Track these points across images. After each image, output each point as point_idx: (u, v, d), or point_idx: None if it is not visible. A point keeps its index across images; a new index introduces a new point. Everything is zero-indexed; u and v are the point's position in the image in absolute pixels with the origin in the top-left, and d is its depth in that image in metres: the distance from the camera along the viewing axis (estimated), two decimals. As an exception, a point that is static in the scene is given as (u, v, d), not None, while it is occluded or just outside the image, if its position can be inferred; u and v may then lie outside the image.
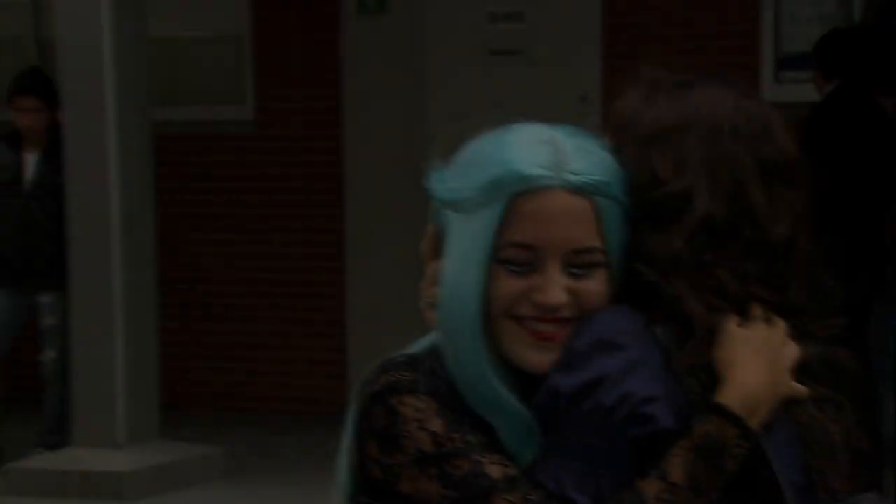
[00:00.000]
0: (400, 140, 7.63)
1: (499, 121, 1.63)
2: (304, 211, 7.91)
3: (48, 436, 6.92)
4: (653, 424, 1.50)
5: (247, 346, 8.03)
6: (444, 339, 1.61)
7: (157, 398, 6.56)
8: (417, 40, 7.68)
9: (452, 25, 7.64)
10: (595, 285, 1.57)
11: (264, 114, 8.03)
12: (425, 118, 7.63)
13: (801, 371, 1.58)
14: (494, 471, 1.52)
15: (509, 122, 1.63)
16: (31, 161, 6.82)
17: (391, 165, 7.62)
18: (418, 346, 1.66)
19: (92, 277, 6.34)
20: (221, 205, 8.11)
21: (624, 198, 1.58)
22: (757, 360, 1.54)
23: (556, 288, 1.55)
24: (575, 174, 1.55)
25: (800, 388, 1.57)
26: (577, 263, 1.56)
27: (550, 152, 1.56)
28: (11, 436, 7.02)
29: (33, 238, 6.78)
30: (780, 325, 1.58)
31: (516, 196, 1.55)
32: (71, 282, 6.40)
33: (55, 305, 6.76)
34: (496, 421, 1.56)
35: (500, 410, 1.56)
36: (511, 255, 1.55)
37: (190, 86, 8.35)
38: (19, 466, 6.48)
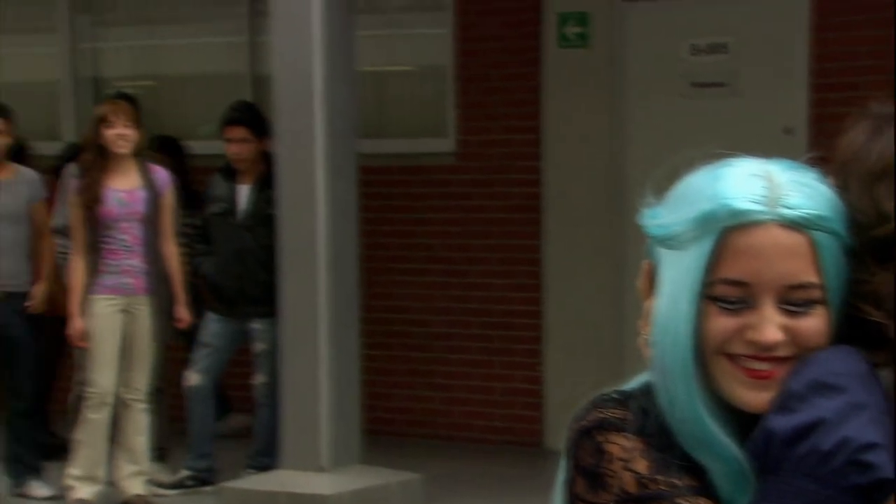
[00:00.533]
0: (599, 172, 7.57)
1: (709, 155, 1.58)
2: (502, 241, 7.90)
3: (258, 457, 7.04)
4: (872, 473, 1.42)
5: (445, 375, 8.05)
6: (656, 377, 1.56)
7: (360, 423, 6.61)
8: (618, 72, 7.61)
9: (654, 58, 7.54)
10: (813, 323, 1.50)
11: (465, 146, 8.06)
12: (625, 150, 7.56)
13: None
14: None
15: (718, 156, 1.58)
16: (244, 192, 6.99)
17: (589, 196, 7.56)
18: (634, 382, 1.61)
19: (300, 305, 6.44)
20: (422, 235, 8.16)
21: (844, 233, 1.50)
22: None
23: (770, 326, 1.48)
24: (790, 208, 1.48)
25: None
26: (793, 300, 1.49)
27: (764, 186, 1.50)
28: (225, 456, 7.18)
29: (247, 267, 6.93)
30: None
31: (728, 231, 1.48)
32: (281, 309, 6.52)
33: (266, 331, 6.89)
34: (708, 462, 1.50)
35: (712, 451, 1.50)
36: (723, 292, 1.49)
37: (393, 118, 8.45)
38: (232, 486, 6.61)
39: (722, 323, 1.50)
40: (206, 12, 8.87)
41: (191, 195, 7.12)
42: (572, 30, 7.66)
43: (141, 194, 6.46)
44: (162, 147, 7.27)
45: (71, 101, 9.12)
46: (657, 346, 1.55)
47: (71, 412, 6.88)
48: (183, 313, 6.57)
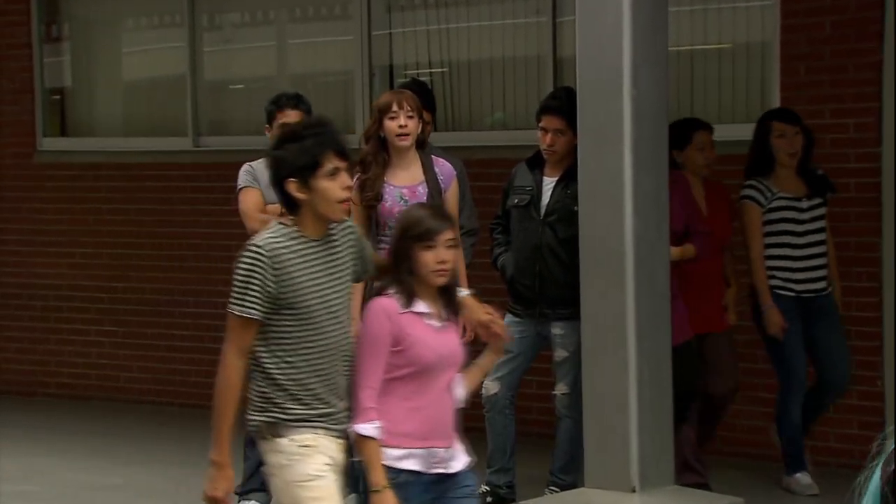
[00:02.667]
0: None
1: None
2: (839, 239, 7.46)
3: (559, 475, 6.88)
4: None
5: (770, 388, 7.65)
6: None
7: (672, 441, 6.35)
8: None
9: None
10: None
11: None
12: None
13: None
14: None
15: None
16: (549, 185, 6.82)
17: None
18: None
19: (605, 308, 6.20)
20: (738, 232, 7.81)
21: None
22: None
23: None
24: None
25: None
26: None
27: None
28: (522, 472, 7.05)
29: (546, 264, 6.77)
30: None
31: None
32: (583, 312, 6.30)
33: (568, 336, 6.70)
34: None
35: None
36: None
37: (708, 102, 8.15)
38: (530, 505, 6.46)
39: None
40: (505, -8, 8.79)
41: None
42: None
43: (423, 190, 6.36)
44: None
45: (365, 91, 9.18)
46: None
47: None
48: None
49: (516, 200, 6.89)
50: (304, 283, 4.37)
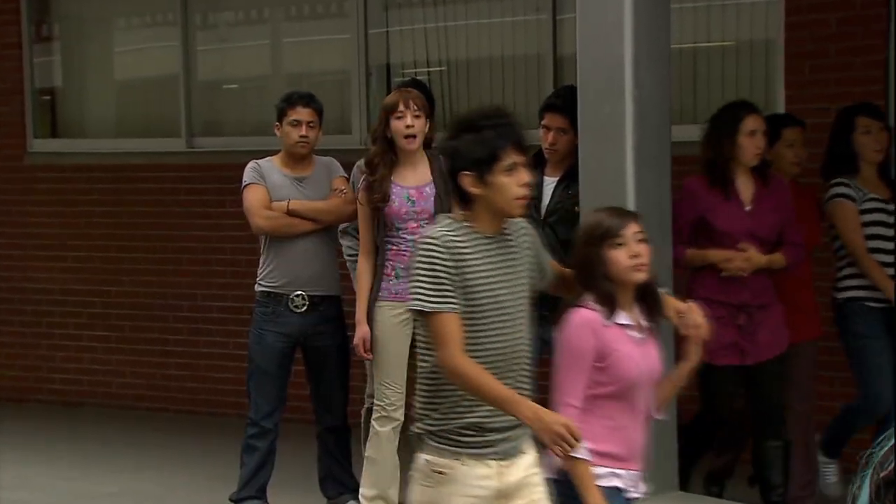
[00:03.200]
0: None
1: None
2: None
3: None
4: None
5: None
6: None
7: (677, 447, 6.33)
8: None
9: None
10: None
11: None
12: None
13: None
14: None
15: None
16: (550, 185, 6.81)
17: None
18: None
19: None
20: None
21: None
22: None
23: None
24: None
25: None
26: None
27: None
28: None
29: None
30: None
31: None
32: (585, 316, 6.28)
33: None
34: None
35: None
36: None
37: (711, 101, 8.13)
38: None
39: None
40: (504, -11, 8.78)
41: None
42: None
43: (430, 191, 6.36)
44: None
45: (362, 90, 9.17)
46: None
47: (363, 427, 6.89)
48: None
49: (516, 200, 6.87)
50: (477, 281, 4.09)
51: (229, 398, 9.39)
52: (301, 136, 6.69)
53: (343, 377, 6.88)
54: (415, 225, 6.32)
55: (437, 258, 4.06)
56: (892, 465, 1.55)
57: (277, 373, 6.76)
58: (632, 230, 4.34)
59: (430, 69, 8.99)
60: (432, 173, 6.34)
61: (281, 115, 6.74)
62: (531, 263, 4.28)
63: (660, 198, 6.20)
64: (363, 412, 6.97)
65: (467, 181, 4.14)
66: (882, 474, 1.52)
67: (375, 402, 6.51)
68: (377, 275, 6.40)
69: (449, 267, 4.06)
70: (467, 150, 4.15)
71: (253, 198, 6.70)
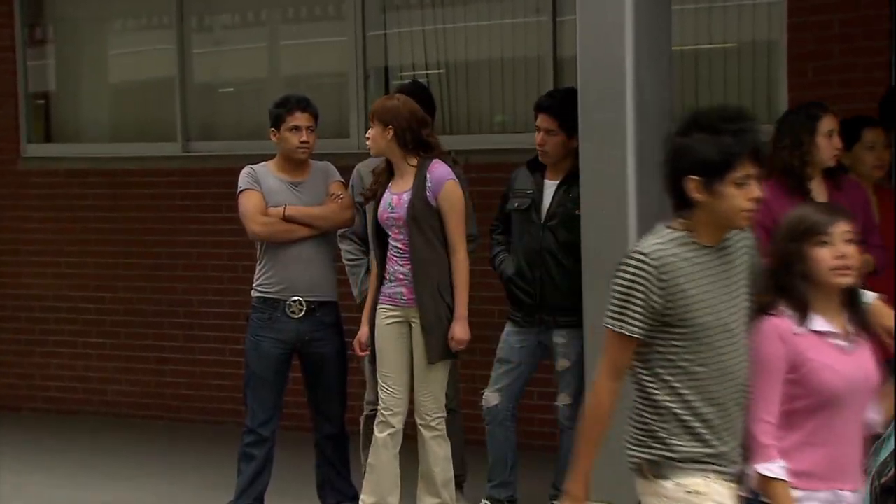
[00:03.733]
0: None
1: None
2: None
3: (562, 488, 6.85)
4: None
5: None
6: None
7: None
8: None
9: None
10: None
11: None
12: None
13: None
14: None
15: None
16: (550, 189, 6.82)
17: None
18: None
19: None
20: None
21: None
22: None
23: None
24: None
25: None
26: None
27: None
28: (524, 486, 7.04)
29: (546, 270, 6.76)
30: None
31: None
32: (586, 320, 6.29)
33: (569, 345, 6.70)
34: None
35: None
36: None
37: (713, 104, 8.14)
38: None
39: None
40: (504, -9, 8.79)
41: None
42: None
43: (407, 197, 6.37)
44: None
45: (360, 93, 9.18)
46: None
47: (363, 434, 6.91)
48: (459, 332, 6.38)
49: (516, 204, 6.88)
50: (696, 297, 3.89)
51: (226, 405, 9.41)
52: (302, 142, 6.70)
53: (341, 384, 6.89)
54: (396, 231, 6.38)
55: (639, 278, 3.89)
56: (892, 471, 1.56)
57: (274, 380, 6.77)
58: (840, 229, 3.99)
59: (429, 72, 9.01)
60: (414, 181, 6.36)
61: (278, 122, 6.74)
62: (750, 273, 4.04)
63: (661, 201, 6.20)
64: (362, 419, 6.98)
65: (692, 185, 3.91)
66: (882, 480, 1.53)
67: (375, 408, 6.53)
68: (377, 278, 6.48)
69: (651, 289, 3.88)
70: (699, 151, 3.89)
71: (248, 204, 6.71)
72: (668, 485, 3.94)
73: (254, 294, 6.81)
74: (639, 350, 3.96)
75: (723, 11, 8.17)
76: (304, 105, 6.75)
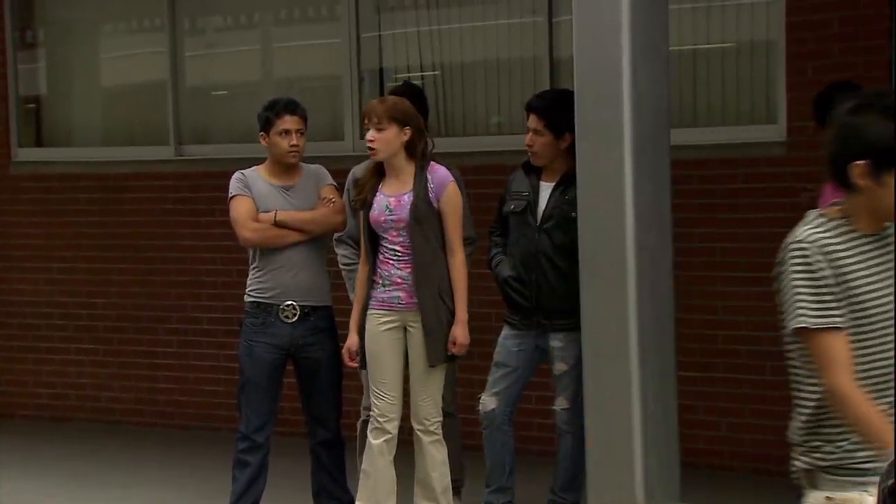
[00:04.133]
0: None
1: None
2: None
3: (561, 493, 6.87)
4: None
5: (779, 401, 7.65)
6: None
7: (678, 457, 6.34)
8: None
9: None
10: None
11: (798, 133, 7.66)
12: None
13: None
14: None
15: None
16: (546, 190, 6.82)
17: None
18: None
19: (605, 320, 6.19)
20: (747, 239, 7.82)
21: None
22: None
23: None
24: None
25: None
26: None
27: None
28: (523, 491, 7.03)
29: (543, 273, 6.75)
30: None
31: None
32: (584, 323, 6.29)
33: (567, 349, 6.69)
34: None
35: None
36: None
37: (711, 103, 8.16)
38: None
39: None
40: (499, -9, 8.80)
41: None
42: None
43: (407, 199, 6.37)
44: None
45: (354, 96, 9.18)
46: None
47: (359, 440, 6.90)
48: (460, 335, 6.38)
49: (513, 206, 6.88)
50: (861, 286, 3.63)
51: (220, 411, 9.40)
52: (292, 146, 6.70)
53: (336, 389, 6.88)
54: (394, 234, 6.35)
55: (815, 265, 3.62)
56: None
57: (268, 385, 6.76)
58: None
59: (424, 73, 9.01)
60: (415, 182, 6.35)
61: (267, 125, 6.73)
62: None
63: (659, 203, 6.21)
64: (359, 424, 6.98)
65: (857, 171, 3.61)
66: (890, 481, 1.51)
67: (369, 413, 6.52)
68: (369, 283, 6.45)
69: (828, 276, 3.61)
70: (871, 134, 3.59)
71: (239, 210, 6.70)
72: (819, 496, 3.65)
73: (247, 299, 6.81)
74: (797, 346, 3.69)
75: (721, 11, 8.18)
76: (292, 108, 6.74)
